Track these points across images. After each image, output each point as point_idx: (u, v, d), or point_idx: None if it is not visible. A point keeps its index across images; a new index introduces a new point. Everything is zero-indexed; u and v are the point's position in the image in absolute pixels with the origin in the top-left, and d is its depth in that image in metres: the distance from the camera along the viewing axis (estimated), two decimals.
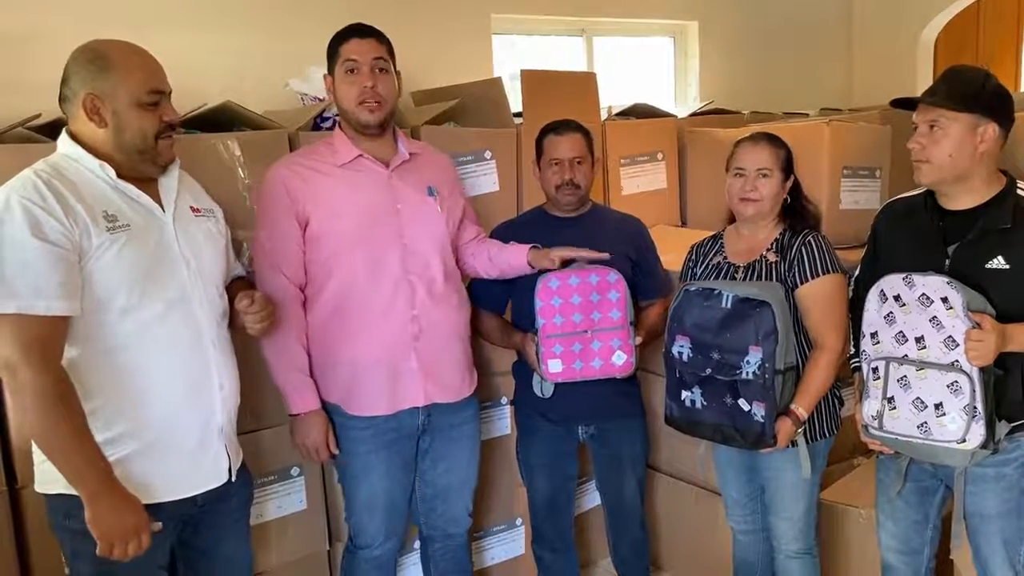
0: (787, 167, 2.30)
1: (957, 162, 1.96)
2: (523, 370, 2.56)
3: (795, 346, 2.22)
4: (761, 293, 2.15)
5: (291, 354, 2.18)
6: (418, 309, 2.23)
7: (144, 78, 1.73)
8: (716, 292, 2.20)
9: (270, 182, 2.21)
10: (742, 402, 2.16)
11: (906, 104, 2.06)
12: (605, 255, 2.35)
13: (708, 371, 2.20)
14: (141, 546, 1.66)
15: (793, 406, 2.19)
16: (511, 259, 2.42)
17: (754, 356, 2.12)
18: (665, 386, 2.34)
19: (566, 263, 2.38)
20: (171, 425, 1.77)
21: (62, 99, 1.75)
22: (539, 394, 2.48)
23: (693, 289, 2.25)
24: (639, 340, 2.41)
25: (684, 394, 2.26)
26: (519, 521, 2.97)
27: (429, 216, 2.28)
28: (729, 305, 2.16)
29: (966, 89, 1.96)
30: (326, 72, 2.24)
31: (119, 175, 1.73)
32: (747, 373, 2.14)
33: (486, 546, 2.94)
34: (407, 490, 2.35)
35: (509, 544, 2.98)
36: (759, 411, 2.14)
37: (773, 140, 2.31)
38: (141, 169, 1.77)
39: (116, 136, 1.72)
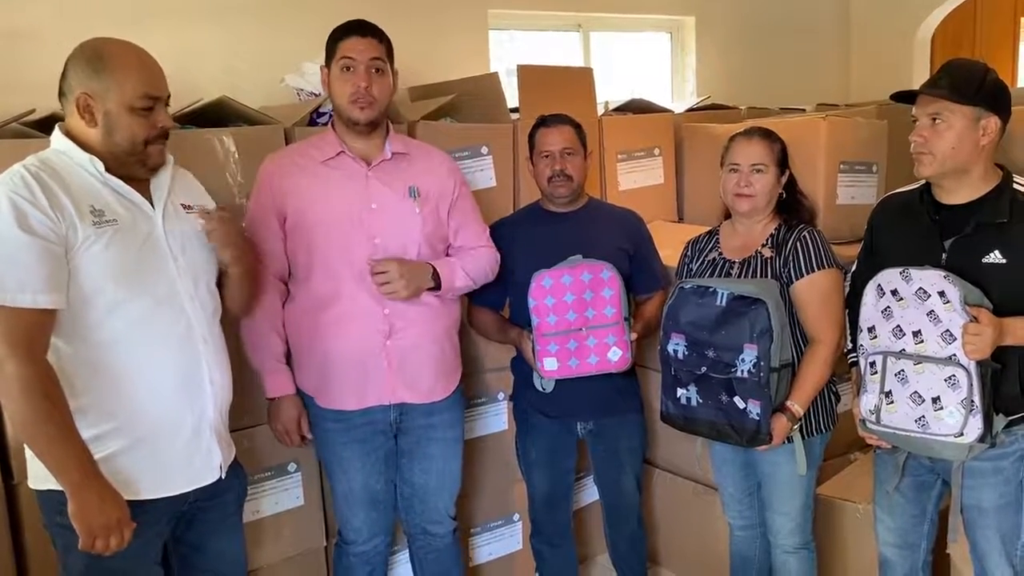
0: (782, 162, 2.30)
1: (959, 155, 1.96)
2: (522, 366, 2.56)
3: (791, 342, 2.21)
4: (756, 291, 2.14)
5: (267, 342, 2.23)
6: (390, 308, 2.21)
7: (139, 83, 1.72)
8: (711, 290, 2.19)
9: (259, 175, 2.25)
10: (737, 400, 2.15)
11: (906, 98, 2.05)
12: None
13: (703, 369, 2.19)
14: (123, 540, 1.66)
15: (788, 402, 2.19)
16: None
17: (749, 354, 2.12)
18: (661, 384, 2.33)
19: (555, 254, 2.36)
20: (161, 421, 1.77)
21: (60, 93, 1.75)
22: (539, 388, 2.49)
23: (688, 287, 2.24)
24: (635, 336, 2.41)
25: (680, 392, 2.25)
26: (516, 517, 2.97)
27: (405, 217, 2.24)
28: (724, 303, 2.16)
29: (968, 82, 1.96)
30: (323, 64, 2.24)
31: (108, 170, 1.73)
32: (742, 371, 2.13)
33: (483, 542, 2.94)
34: (390, 486, 2.36)
35: (506, 540, 2.99)
36: (754, 409, 2.13)
37: (767, 135, 2.31)
38: (129, 170, 1.77)
39: (105, 137, 1.72)
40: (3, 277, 1.57)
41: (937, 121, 1.95)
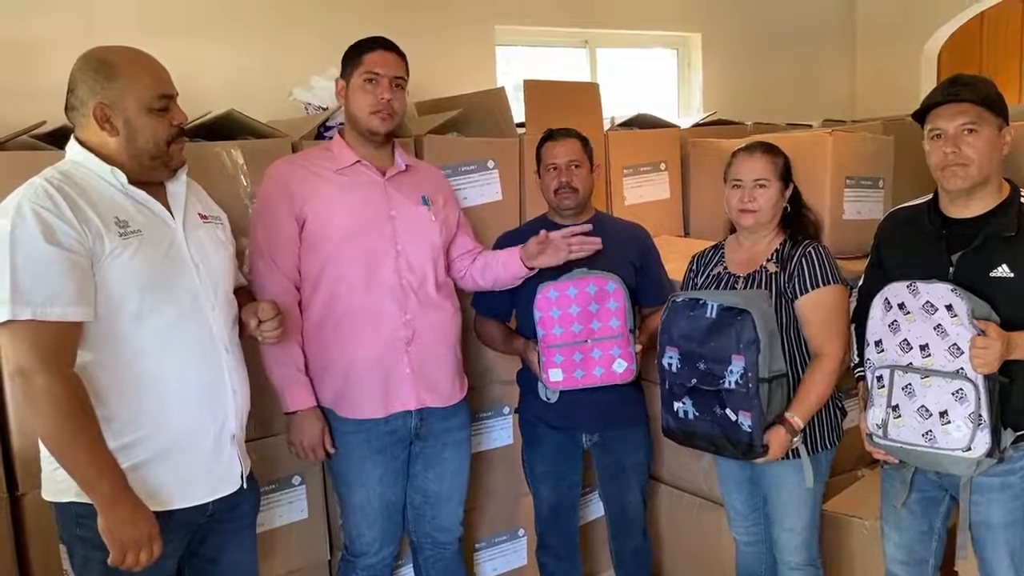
0: (785, 176, 2.30)
1: (992, 164, 1.96)
2: (527, 378, 2.56)
3: (786, 353, 2.20)
4: (742, 302, 2.14)
5: (287, 352, 2.20)
6: (411, 314, 2.25)
7: (152, 83, 1.73)
8: (701, 302, 2.19)
9: (271, 180, 2.25)
10: (729, 412, 2.14)
11: (921, 113, 2.03)
12: (597, 240, 2.33)
13: (693, 381, 2.19)
14: (153, 555, 1.65)
15: (788, 414, 2.18)
16: (504, 264, 2.42)
17: (737, 365, 2.11)
18: (660, 398, 2.33)
19: (561, 267, 2.37)
20: (186, 431, 1.76)
21: (68, 108, 1.75)
22: (544, 399, 2.48)
23: (680, 300, 2.25)
24: (639, 347, 2.41)
25: (676, 405, 2.25)
26: (521, 531, 2.96)
27: (423, 224, 2.31)
28: (714, 315, 2.16)
29: (989, 92, 1.97)
30: (339, 77, 2.27)
31: (129, 180, 1.73)
32: (730, 382, 2.12)
33: (487, 557, 2.93)
34: (401, 497, 2.36)
35: (511, 555, 2.97)
36: (745, 421, 2.12)
37: (769, 149, 2.31)
38: (153, 174, 1.77)
39: (128, 143, 1.72)
40: (31, 291, 1.56)
41: (973, 130, 1.94)
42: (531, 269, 2.38)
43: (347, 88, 2.24)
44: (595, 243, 2.33)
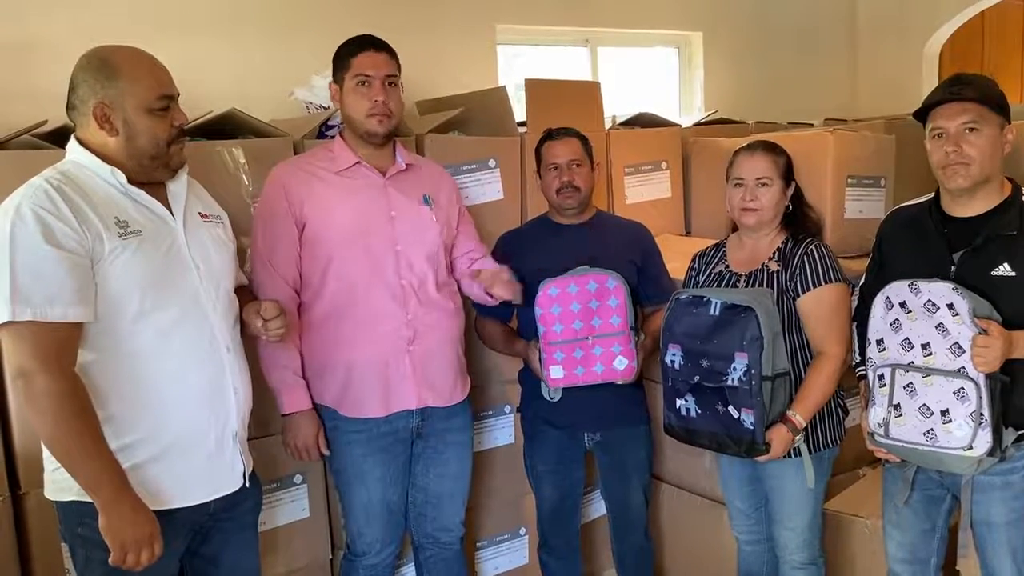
0: (787, 174, 2.30)
1: (994, 163, 1.96)
2: (529, 377, 2.56)
3: (788, 352, 2.20)
4: (746, 299, 2.14)
5: (284, 355, 2.20)
6: (412, 314, 2.25)
7: (152, 84, 1.73)
8: (705, 300, 2.19)
9: (270, 184, 2.25)
10: (732, 409, 2.15)
11: (923, 112, 2.03)
12: (518, 286, 2.31)
13: (696, 379, 2.20)
14: (154, 555, 1.66)
15: (790, 412, 2.18)
16: (478, 291, 2.39)
17: (740, 362, 2.11)
18: (662, 396, 2.33)
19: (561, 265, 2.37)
20: (187, 431, 1.76)
21: (70, 107, 1.75)
22: (547, 398, 2.48)
23: (683, 298, 2.25)
24: (638, 343, 2.41)
25: (679, 402, 2.25)
26: (523, 531, 2.96)
27: (423, 224, 2.30)
28: (717, 312, 2.16)
29: (991, 91, 1.97)
30: (331, 80, 2.26)
31: (129, 180, 1.73)
32: (733, 380, 2.13)
33: (489, 556, 2.93)
34: (403, 496, 2.36)
35: (513, 554, 2.98)
36: (748, 418, 2.13)
37: (771, 148, 2.31)
38: (153, 174, 1.77)
39: (128, 143, 1.72)
40: (32, 292, 1.57)
41: (974, 129, 1.94)
42: (493, 298, 2.35)
43: (340, 92, 2.24)
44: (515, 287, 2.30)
